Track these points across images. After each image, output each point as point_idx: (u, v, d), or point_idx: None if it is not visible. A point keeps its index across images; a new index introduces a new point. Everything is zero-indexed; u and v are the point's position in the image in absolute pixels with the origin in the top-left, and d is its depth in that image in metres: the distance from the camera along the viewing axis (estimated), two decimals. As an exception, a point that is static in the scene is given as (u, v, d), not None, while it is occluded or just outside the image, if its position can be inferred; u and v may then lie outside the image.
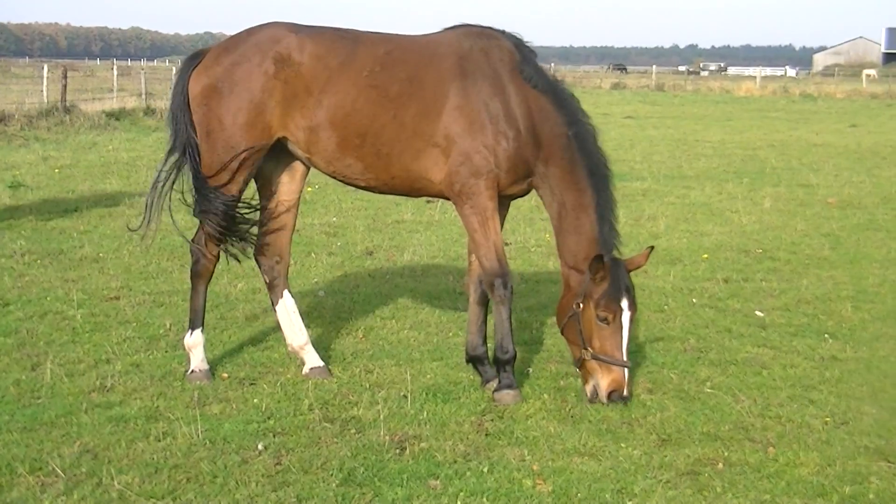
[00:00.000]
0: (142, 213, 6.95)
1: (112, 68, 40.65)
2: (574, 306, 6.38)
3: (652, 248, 6.67)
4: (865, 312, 8.90)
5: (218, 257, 6.88)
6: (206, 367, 6.76)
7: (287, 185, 6.97)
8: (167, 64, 71.47)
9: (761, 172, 19.76)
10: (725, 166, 20.84)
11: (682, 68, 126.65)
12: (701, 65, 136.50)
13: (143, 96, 32.87)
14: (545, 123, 6.45)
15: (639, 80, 76.74)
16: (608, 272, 6.23)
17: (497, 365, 6.57)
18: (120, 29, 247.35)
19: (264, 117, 6.50)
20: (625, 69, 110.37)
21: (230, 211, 6.67)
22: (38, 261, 10.17)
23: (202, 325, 6.86)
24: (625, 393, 6.26)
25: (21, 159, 18.86)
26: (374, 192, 6.95)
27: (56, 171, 17.33)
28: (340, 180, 6.83)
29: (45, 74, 30.90)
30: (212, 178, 6.60)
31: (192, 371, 6.71)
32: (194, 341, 6.77)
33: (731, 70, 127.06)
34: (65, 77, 28.16)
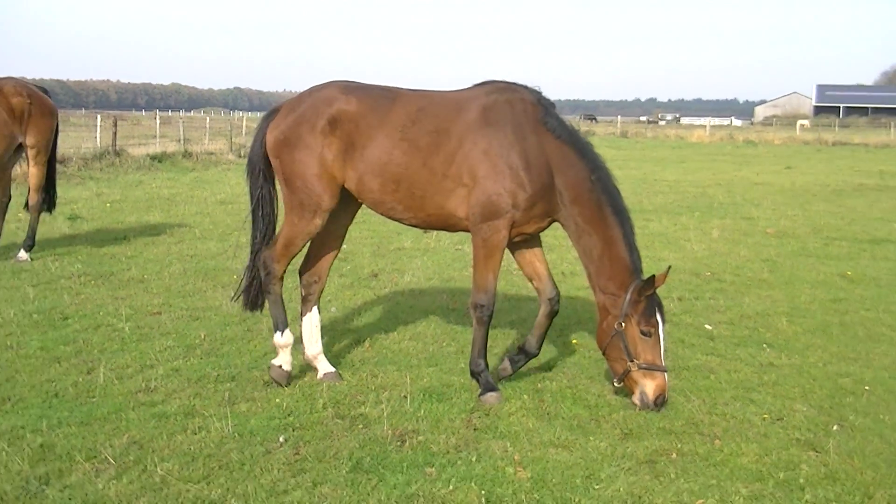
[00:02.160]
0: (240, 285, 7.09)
1: (155, 118, 40.83)
2: (616, 326, 6.27)
3: (669, 267, 6.67)
4: (798, 326, 8.96)
5: (286, 268, 6.85)
6: (289, 368, 6.71)
7: (342, 215, 6.97)
8: (202, 114, 71.53)
9: (710, 207, 19.86)
10: (680, 202, 20.93)
11: (643, 118, 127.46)
12: (659, 115, 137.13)
13: (182, 142, 32.89)
14: (569, 170, 6.33)
15: (606, 129, 77.07)
16: (651, 292, 6.19)
17: (473, 376, 6.60)
18: (162, 84, 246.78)
19: (328, 168, 6.51)
20: (595, 119, 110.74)
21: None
22: (93, 281, 10.21)
23: (287, 325, 6.80)
24: (666, 396, 6.22)
25: (78, 195, 18.91)
26: (419, 228, 6.91)
27: (107, 205, 17.39)
28: (391, 219, 6.82)
29: (98, 123, 31.04)
30: (296, 215, 6.61)
31: (280, 366, 6.70)
32: (285, 340, 6.75)
33: (685, 120, 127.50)
34: (115, 126, 28.20)
